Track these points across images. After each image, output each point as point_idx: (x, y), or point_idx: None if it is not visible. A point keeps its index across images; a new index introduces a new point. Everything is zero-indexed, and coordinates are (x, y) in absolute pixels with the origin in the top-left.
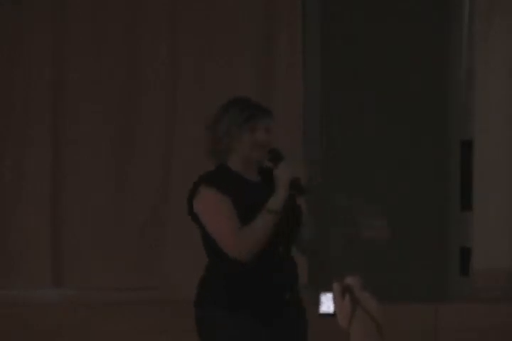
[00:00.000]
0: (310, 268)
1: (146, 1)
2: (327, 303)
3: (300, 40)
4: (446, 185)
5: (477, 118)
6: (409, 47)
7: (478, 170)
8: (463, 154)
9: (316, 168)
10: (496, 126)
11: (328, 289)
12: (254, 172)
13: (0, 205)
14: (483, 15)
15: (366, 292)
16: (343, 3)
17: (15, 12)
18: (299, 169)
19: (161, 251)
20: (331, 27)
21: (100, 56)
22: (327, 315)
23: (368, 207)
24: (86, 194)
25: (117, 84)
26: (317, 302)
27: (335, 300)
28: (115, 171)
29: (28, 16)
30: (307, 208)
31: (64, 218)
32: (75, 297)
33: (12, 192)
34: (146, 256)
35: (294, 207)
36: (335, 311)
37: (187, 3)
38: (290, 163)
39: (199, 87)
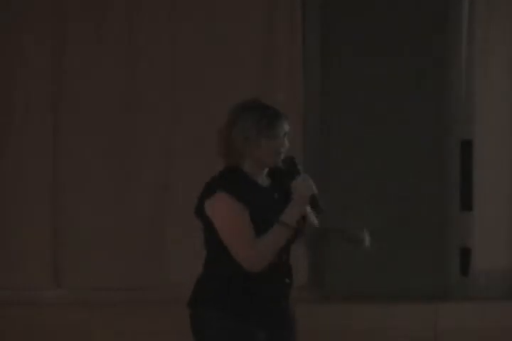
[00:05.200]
0: (310, 268)
1: (146, 1)
2: None
3: (300, 40)
4: (446, 185)
5: (477, 118)
6: (409, 47)
7: (478, 170)
8: (463, 154)
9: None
10: (496, 126)
11: None
12: (263, 176)
13: (0, 205)
14: (482, 16)
15: None
16: (343, 4)
17: (15, 12)
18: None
19: (161, 251)
20: (330, 27)
21: (100, 56)
22: None
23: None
24: (86, 194)
25: (117, 84)
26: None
27: None
28: (115, 171)
29: (28, 16)
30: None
31: (64, 218)
32: (75, 297)
33: (12, 192)
34: (146, 257)
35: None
36: None
37: (187, 4)
38: (307, 176)
39: (199, 87)
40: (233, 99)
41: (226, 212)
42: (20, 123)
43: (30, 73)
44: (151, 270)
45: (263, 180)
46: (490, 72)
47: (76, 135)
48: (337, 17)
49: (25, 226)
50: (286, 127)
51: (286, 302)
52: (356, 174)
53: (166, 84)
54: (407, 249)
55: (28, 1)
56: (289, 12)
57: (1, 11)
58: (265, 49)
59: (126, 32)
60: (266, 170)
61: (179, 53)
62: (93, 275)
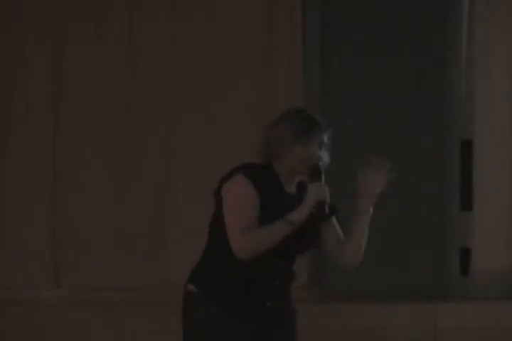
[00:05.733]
0: (310, 268)
1: (146, 1)
2: None
3: (300, 40)
4: (446, 185)
5: (477, 118)
6: (409, 47)
7: (478, 170)
8: (463, 154)
9: None
10: (496, 126)
11: None
12: (293, 184)
13: (0, 205)
14: (482, 16)
15: None
16: (343, 4)
17: (15, 12)
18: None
19: (161, 251)
20: (330, 27)
21: (100, 56)
22: None
23: None
24: (86, 194)
25: (117, 84)
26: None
27: None
28: (115, 171)
29: (28, 16)
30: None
31: (64, 218)
32: (75, 297)
33: (12, 192)
34: (146, 257)
35: (313, 227)
36: None
37: (187, 4)
38: (324, 184)
39: (199, 87)
40: (233, 99)
41: (237, 192)
42: (20, 123)
43: (30, 73)
44: (151, 270)
45: (290, 188)
46: (490, 72)
47: (76, 135)
48: (337, 17)
49: (25, 226)
50: (323, 138)
51: (277, 302)
52: (356, 174)
53: (166, 84)
54: (407, 248)
55: (28, 1)
56: (289, 12)
57: (1, 11)
58: (265, 49)
59: (126, 32)
60: (296, 180)
61: (179, 53)
62: (93, 275)
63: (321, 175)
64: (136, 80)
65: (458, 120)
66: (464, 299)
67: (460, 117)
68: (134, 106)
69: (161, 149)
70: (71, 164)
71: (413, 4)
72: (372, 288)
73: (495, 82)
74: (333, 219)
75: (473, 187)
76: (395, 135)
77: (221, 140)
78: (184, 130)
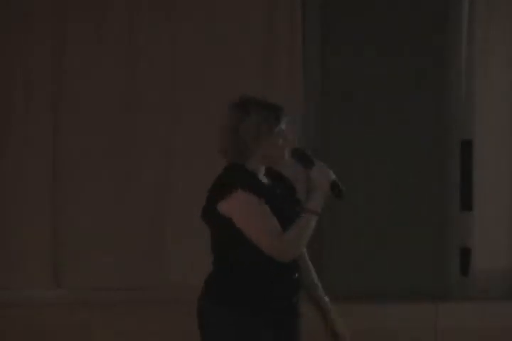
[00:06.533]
0: None
1: (146, 1)
2: None
3: (300, 40)
4: (446, 185)
5: (477, 118)
6: (409, 47)
7: (478, 170)
8: (463, 154)
9: None
10: (496, 126)
11: None
12: (262, 172)
13: (0, 205)
14: (482, 16)
15: None
16: (343, 4)
17: (15, 12)
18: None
19: (161, 251)
20: (331, 27)
21: (100, 56)
22: None
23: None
24: (86, 194)
25: (117, 84)
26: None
27: None
28: (115, 171)
29: (28, 16)
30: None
31: (64, 218)
32: (75, 297)
33: (12, 192)
34: (146, 257)
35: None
36: None
37: (187, 4)
38: (322, 164)
39: (199, 87)
40: (233, 99)
41: (251, 211)
42: (20, 123)
43: (30, 73)
44: (151, 270)
45: (262, 177)
46: (490, 72)
47: (76, 135)
48: (337, 17)
49: (25, 226)
50: (288, 120)
51: (297, 298)
52: (356, 174)
53: (166, 84)
54: (407, 248)
55: (28, 1)
56: (289, 12)
57: (1, 10)
58: (265, 49)
59: (126, 32)
60: (263, 171)
61: (179, 53)
62: (93, 275)
63: (310, 157)
64: (136, 80)
65: (458, 120)
66: (464, 299)
67: (460, 117)
68: (134, 106)
69: (161, 149)
70: (71, 164)
71: (413, 4)
72: (373, 288)
73: (495, 82)
74: None
75: (473, 187)
76: (395, 135)
77: None
78: (184, 130)
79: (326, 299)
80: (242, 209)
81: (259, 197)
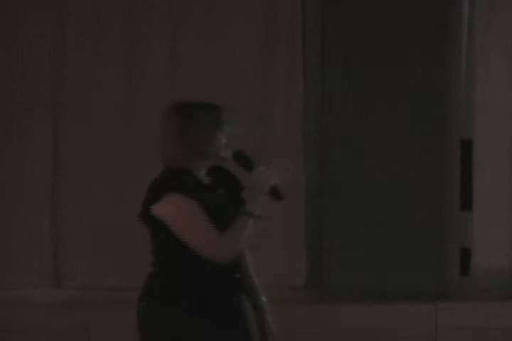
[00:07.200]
0: (310, 268)
1: (146, 0)
2: None
3: (300, 40)
4: (446, 185)
5: (477, 118)
6: (409, 47)
7: (478, 169)
8: (463, 154)
9: None
10: (496, 126)
11: None
12: (204, 171)
13: (0, 205)
14: (483, 16)
15: None
16: (343, 4)
17: (15, 12)
18: (273, 174)
19: None
20: (330, 26)
21: (100, 56)
22: None
23: None
24: (86, 194)
25: (117, 84)
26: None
27: None
28: (115, 171)
29: (28, 15)
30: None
31: (64, 218)
32: (75, 297)
33: (12, 192)
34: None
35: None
36: None
37: (187, 4)
38: (264, 167)
39: (199, 87)
40: (233, 99)
41: (186, 213)
42: (20, 123)
43: (30, 73)
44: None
45: (204, 177)
46: (490, 72)
47: (76, 135)
48: (337, 17)
49: (25, 226)
50: (230, 120)
51: (239, 298)
52: (356, 173)
53: (166, 84)
54: (407, 248)
55: (28, 1)
56: (289, 12)
57: (1, 10)
58: (265, 49)
59: (127, 32)
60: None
61: (179, 53)
62: (93, 275)
63: (250, 160)
64: (136, 80)
65: (458, 120)
66: (464, 299)
67: (460, 117)
68: (134, 106)
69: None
70: (71, 164)
71: (413, 4)
72: (373, 288)
73: (495, 82)
74: None
75: (473, 187)
76: (395, 135)
77: None
78: None
79: (264, 299)
80: (175, 211)
81: (194, 199)
